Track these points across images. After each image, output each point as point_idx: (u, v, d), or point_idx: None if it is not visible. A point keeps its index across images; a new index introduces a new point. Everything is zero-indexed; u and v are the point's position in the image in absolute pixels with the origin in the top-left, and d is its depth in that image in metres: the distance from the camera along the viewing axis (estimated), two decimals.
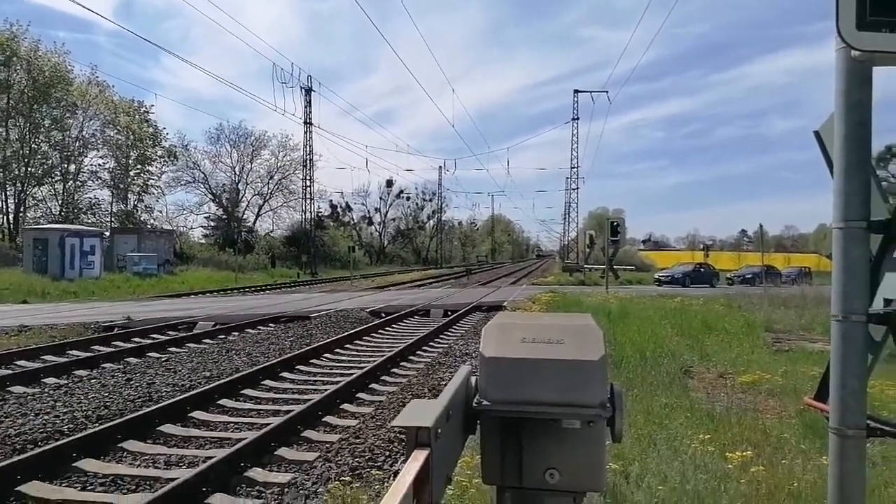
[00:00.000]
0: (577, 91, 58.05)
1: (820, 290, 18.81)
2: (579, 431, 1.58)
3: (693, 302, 18.90)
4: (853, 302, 2.14)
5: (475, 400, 1.64)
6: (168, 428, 6.36)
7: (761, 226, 30.14)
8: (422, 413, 1.39)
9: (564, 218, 71.28)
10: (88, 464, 5.27)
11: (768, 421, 5.65)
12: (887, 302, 2.24)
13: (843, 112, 2.16)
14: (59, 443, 5.49)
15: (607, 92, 54.75)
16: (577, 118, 58.31)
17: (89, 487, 4.88)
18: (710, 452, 4.37)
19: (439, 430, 1.35)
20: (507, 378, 1.61)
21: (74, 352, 11.05)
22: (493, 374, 1.63)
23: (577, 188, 62.25)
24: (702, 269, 40.90)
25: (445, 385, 1.68)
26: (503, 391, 1.61)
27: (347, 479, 4.55)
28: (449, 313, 17.48)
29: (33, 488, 4.70)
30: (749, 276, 40.38)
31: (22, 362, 9.95)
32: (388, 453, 5.51)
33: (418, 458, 1.23)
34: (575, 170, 60.58)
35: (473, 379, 1.72)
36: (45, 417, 6.54)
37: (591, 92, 56.12)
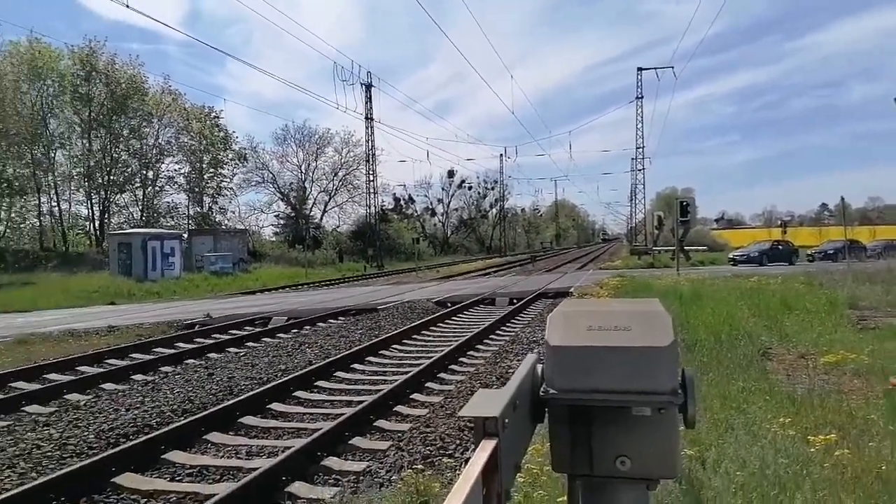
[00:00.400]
0: (640, 68, 56.49)
1: None
2: (650, 418, 1.56)
3: (770, 281, 18.15)
4: None
5: (542, 389, 1.64)
6: (248, 419, 6.63)
7: (843, 198, 28.50)
8: (489, 403, 1.40)
9: (631, 200, 69.64)
10: (176, 455, 5.57)
11: (853, 402, 5.38)
12: None
13: None
14: (148, 436, 5.81)
15: (672, 67, 53.05)
16: (642, 97, 56.79)
17: (177, 478, 5.16)
18: (791, 436, 4.21)
19: (507, 420, 1.36)
20: (573, 366, 1.61)
21: (160, 349, 11.65)
22: (560, 363, 1.62)
23: (644, 168, 60.68)
24: (779, 247, 39.12)
25: (513, 373, 1.69)
26: (570, 379, 1.60)
27: (420, 466, 4.63)
28: (514, 301, 17.43)
29: (127, 479, 5.00)
30: (831, 251, 38.34)
31: (112, 361, 10.58)
32: (458, 441, 5.57)
33: (486, 447, 1.25)
34: (640, 150, 59.09)
35: (540, 367, 1.72)
36: (135, 412, 6.94)
37: (655, 69, 54.45)
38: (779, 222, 67.54)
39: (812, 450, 3.87)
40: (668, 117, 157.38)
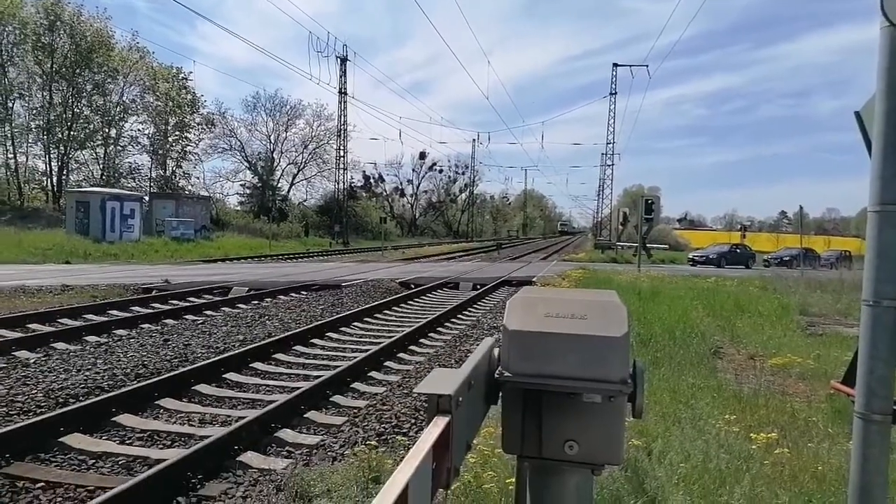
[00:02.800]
0: (615, 65, 56.92)
1: (859, 275, 18.31)
2: (600, 406, 1.60)
3: (727, 283, 18.62)
4: (885, 286, 2.12)
5: (497, 371, 1.67)
6: (203, 388, 6.57)
7: (801, 207, 29.38)
8: (444, 381, 1.42)
9: (598, 194, 70.42)
10: (127, 419, 5.50)
11: (797, 404, 5.59)
12: None
13: (885, 91, 2.11)
14: (99, 398, 5.72)
15: (647, 66, 53.89)
16: (616, 93, 57.26)
17: (127, 441, 5.10)
18: (735, 433, 4.36)
19: (461, 399, 1.38)
20: (529, 351, 1.64)
21: (115, 312, 11.42)
22: (516, 347, 1.65)
23: (613, 164, 61.34)
24: (738, 250, 40.13)
25: None
26: (525, 364, 1.64)
27: (373, 443, 4.66)
28: (478, 287, 17.54)
29: (75, 440, 4.92)
30: (787, 258, 39.48)
31: (64, 320, 10.34)
32: (413, 421, 5.62)
33: (439, 423, 1.27)
34: (611, 145, 59.66)
35: (497, 351, 1.75)
36: (87, 374, 6.81)
37: (630, 66, 54.86)
38: (739, 226, 69.13)
39: (754, 447, 4.02)
40: (640, 115, 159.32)
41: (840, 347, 8.23)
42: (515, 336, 1.61)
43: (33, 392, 6.04)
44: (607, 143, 59.54)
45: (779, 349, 8.24)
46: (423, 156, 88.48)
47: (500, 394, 1.66)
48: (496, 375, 1.61)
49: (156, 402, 5.99)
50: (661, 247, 48.36)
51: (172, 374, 6.66)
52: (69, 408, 5.38)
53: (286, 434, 5.26)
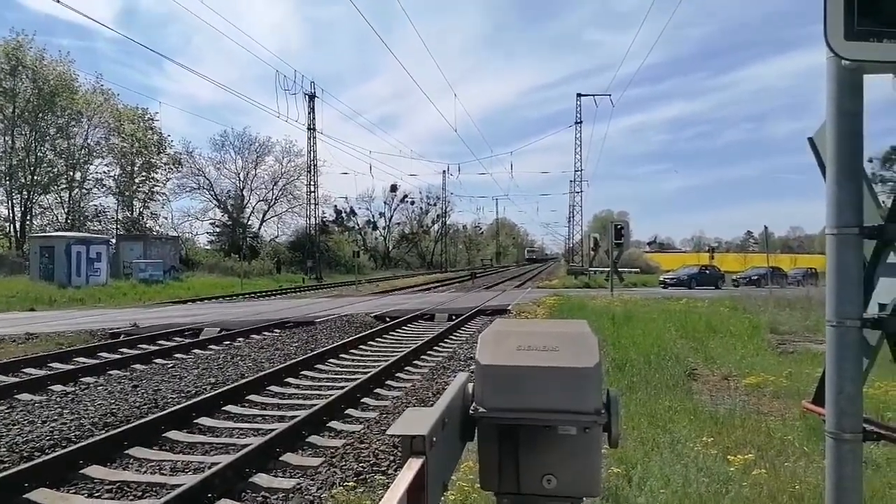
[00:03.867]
0: (580, 94, 58.16)
1: (825, 292, 18.73)
2: (575, 437, 1.60)
3: (698, 304, 18.88)
4: (847, 307, 2.16)
5: (472, 407, 1.66)
6: (174, 434, 6.40)
7: (766, 227, 30.05)
8: (417, 421, 1.41)
9: (569, 221, 71.22)
10: (95, 470, 5.32)
11: (772, 423, 5.65)
12: (881, 307, 2.26)
13: (834, 119, 2.18)
14: (65, 450, 5.52)
15: (610, 95, 55.15)
16: (581, 122, 58.38)
17: (96, 494, 4.92)
18: (714, 455, 4.38)
19: (434, 438, 1.37)
20: (503, 385, 1.64)
21: (81, 359, 11.12)
22: (490, 382, 1.65)
23: (581, 191, 62.29)
24: (707, 271, 40.84)
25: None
26: (499, 398, 1.63)
27: (351, 484, 4.57)
28: (453, 317, 17.50)
29: (41, 495, 4.74)
30: (755, 277, 40.24)
31: (29, 370, 10.03)
32: (392, 458, 5.53)
33: (413, 466, 1.26)
34: (579, 173, 60.62)
35: (471, 386, 1.74)
36: (53, 425, 6.58)
37: (594, 95, 56.21)
38: (707, 247, 70.39)
39: (732, 469, 4.04)
40: (606, 143, 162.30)
41: (811, 364, 8.37)
42: (488, 371, 1.61)
43: None
44: (575, 171, 60.55)
45: (752, 368, 8.35)
46: (394, 188, 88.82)
47: (476, 430, 1.65)
48: (470, 412, 1.61)
49: (125, 452, 5.81)
50: (632, 270, 48.90)
51: (142, 421, 6.47)
52: (34, 462, 5.19)
53: (261, 479, 5.13)
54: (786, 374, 7.63)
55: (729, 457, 4.24)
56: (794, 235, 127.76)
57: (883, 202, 2.57)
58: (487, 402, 1.62)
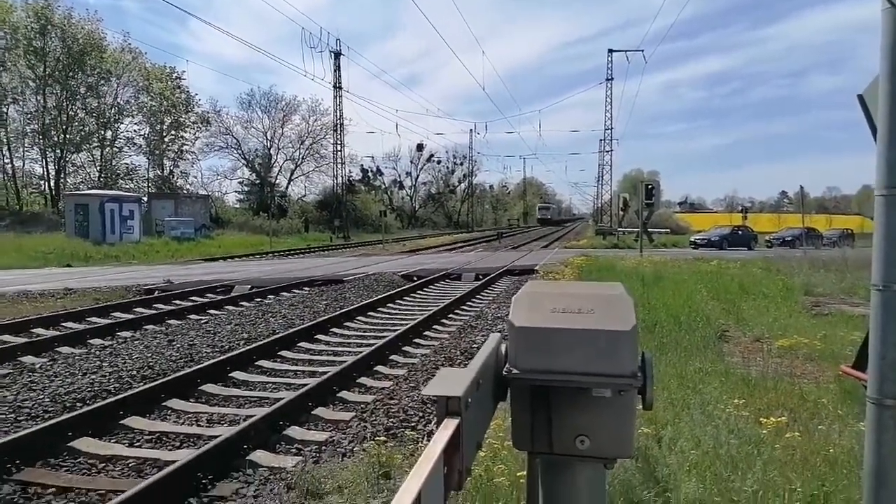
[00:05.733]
0: (611, 50, 56.80)
1: (862, 253, 18.30)
2: (610, 400, 1.59)
3: (730, 265, 18.58)
4: (894, 271, 2.09)
5: (505, 368, 1.65)
6: (209, 388, 6.57)
7: (801, 187, 29.36)
8: (452, 382, 1.40)
9: (598, 180, 70.28)
10: (135, 421, 5.50)
11: (805, 386, 5.58)
12: None
13: (889, 75, 2.07)
14: (106, 401, 5.71)
15: (643, 51, 53.94)
16: (612, 78, 57.09)
17: (136, 444, 5.10)
18: (745, 417, 4.35)
19: (469, 400, 1.36)
20: (537, 347, 1.62)
21: (118, 314, 11.42)
22: (523, 344, 1.63)
23: (611, 150, 61.28)
24: (739, 232, 40.07)
25: (477, 349, 1.69)
26: (533, 360, 1.62)
27: (382, 438, 4.65)
28: (480, 277, 17.53)
29: (84, 444, 4.92)
30: (789, 238, 39.39)
31: (69, 324, 10.34)
32: (421, 414, 5.62)
33: (448, 426, 1.25)
34: (609, 131, 59.52)
35: (504, 347, 1.73)
36: (93, 377, 6.80)
37: (625, 51, 54.77)
38: (739, 208, 69.05)
39: (764, 431, 4.00)
40: (638, 100, 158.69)
41: (846, 327, 8.22)
42: (522, 332, 1.59)
43: (40, 397, 6.04)
44: (605, 129, 59.50)
45: (785, 331, 8.22)
46: (420, 147, 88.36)
47: (509, 390, 1.65)
48: (504, 373, 1.60)
49: (163, 404, 5.99)
50: (662, 231, 48.31)
51: (178, 374, 6.66)
52: (77, 412, 5.38)
53: (294, 431, 5.26)
54: (820, 337, 7.50)
55: (761, 419, 4.20)
56: (830, 195, 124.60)
57: None
58: (521, 364, 1.61)
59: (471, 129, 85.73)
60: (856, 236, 41.82)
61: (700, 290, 12.21)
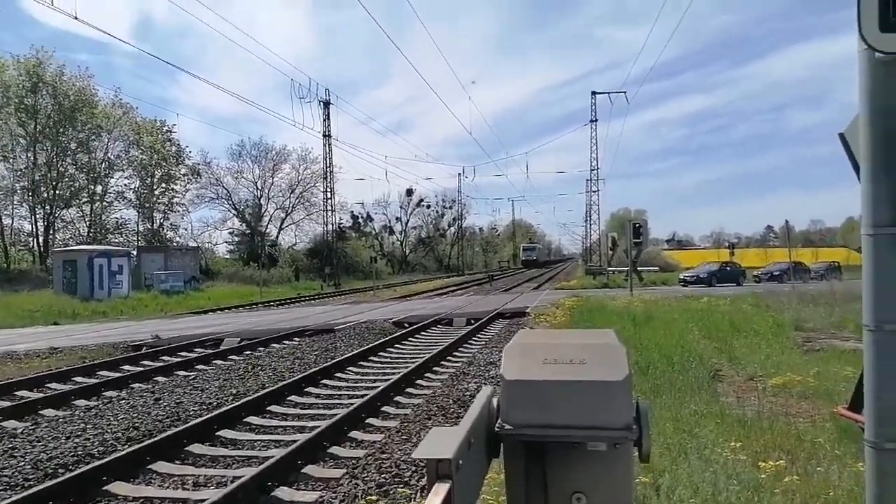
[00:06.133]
0: (594, 93, 57.74)
1: (849, 285, 18.41)
2: (605, 454, 1.55)
3: (720, 302, 18.62)
4: (886, 311, 2.07)
5: (497, 423, 1.61)
6: (196, 448, 6.40)
7: (787, 221, 29.76)
8: (442, 443, 1.36)
9: (586, 220, 70.83)
10: (119, 487, 5.32)
11: (801, 425, 5.51)
12: None
13: (868, 114, 2.09)
14: (89, 466, 5.55)
15: (625, 92, 54.31)
16: (596, 120, 58.01)
17: None
18: (742, 461, 4.27)
19: (460, 461, 1.32)
20: (529, 401, 1.59)
21: (104, 372, 11.21)
22: (516, 397, 1.60)
23: (598, 190, 61.87)
24: (728, 268, 40.31)
25: (470, 397, 1.65)
26: (526, 414, 1.59)
27: (373, 497, 4.52)
28: (472, 322, 17.42)
29: None
30: (777, 272, 39.65)
31: (53, 384, 10.13)
32: (414, 468, 5.48)
33: (439, 492, 1.21)
34: (595, 171, 60.25)
35: (495, 400, 1.69)
36: (76, 440, 6.62)
37: (608, 93, 55.77)
38: (727, 244, 69.61)
39: (763, 475, 3.93)
40: (622, 140, 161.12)
41: (839, 362, 8.18)
42: (514, 386, 1.56)
43: (21, 464, 5.85)
44: (591, 170, 60.19)
45: (778, 368, 8.18)
46: (410, 192, 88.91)
47: (502, 446, 1.60)
48: (496, 428, 1.56)
49: (148, 467, 5.81)
50: (651, 269, 48.49)
51: (164, 435, 6.49)
52: (57, 480, 5.20)
53: (283, 492, 5.11)
54: (813, 374, 7.46)
55: (759, 462, 4.13)
56: (815, 228, 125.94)
57: None
58: (513, 419, 1.58)
59: (459, 173, 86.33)
60: (842, 268, 42.14)
61: (691, 328, 12.19)
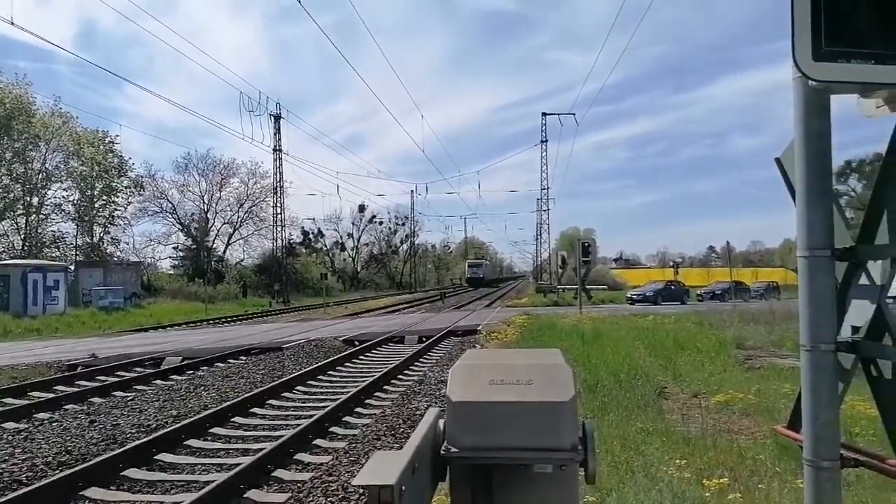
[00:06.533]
0: (544, 114, 58.75)
1: (787, 305, 19.12)
2: (552, 475, 1.53)
3: (665, 320, 19.06)
4: (821, 331, 2.12)
5: (444, 447, 1.58)
6: (133, 472, 6.12)
7: (728, 242, 30.82)
8: (385, 468, 1.32)
9: (536, 239, 71.77)
10: None
11: (743, 442, 5.65)
12: (855, 329, 2.23)
13: (803, 140, 2.16)
14: (15, 493, 5.23)
15: (574, 114, 55.46)
16: (546, 140, 59.02)
17: None
18: (687, 479, 4.33)
19: (403, 488, 1.28)
20: (475, 423, 1.56)
21: (36, 393, 10.68)
22: (462, 420, 1.58)
23: (548, 209, 62.80)
24: (672, 287, 41.41)
25: (420, 416, 1.62)
26: (472, 437, 1.56)
27: None
28: (423, 339, 17.34)
29: None
30: (718, 291, 40.96)
31: None
32: (361, 491, 5.36)
33: None
34: (545, 191, 61.20)
35: (441, 423, 1.66)
36: (2, 466, 6.24)
37: (558, 114, 56.88)
38: (671, 263, 71.52)
39: (707, 493, 3.99)
40: (571, 160, 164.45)
41: (778, 380, 8.45)
42: (460, 407, 1.53)
43: None
44: (542, 189, 61.10)
45: (720, 385, 8.39)
46: (362, 209, 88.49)
47: (448, 470, 1.56)
48: (442, 451, 1.52)
49: (81, 493, 5.53)
50: (600, 287, 49.40)
51: (99, 459, 6.19)
52: None
53: None
54: (754, 391, 7.68)
55: (704, 480, 4.20)
56: (755, 249, 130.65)
57: (851, 219, 2.56)
58: (460, 442, 1.55)
59: (412, 190, 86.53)
60: (781, 288, 43.83)
61: (638, 346, 12.43)
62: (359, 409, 8.89)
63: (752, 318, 17.49)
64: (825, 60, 1.92)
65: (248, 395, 9.43)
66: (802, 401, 2.23)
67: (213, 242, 62.93)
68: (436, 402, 8.64)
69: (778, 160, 2.66)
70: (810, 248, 2.14)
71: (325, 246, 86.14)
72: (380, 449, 6.56)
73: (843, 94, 2.24)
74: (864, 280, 2.31)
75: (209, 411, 8.32)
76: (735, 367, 10.46)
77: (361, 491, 5.34)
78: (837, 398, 2.18)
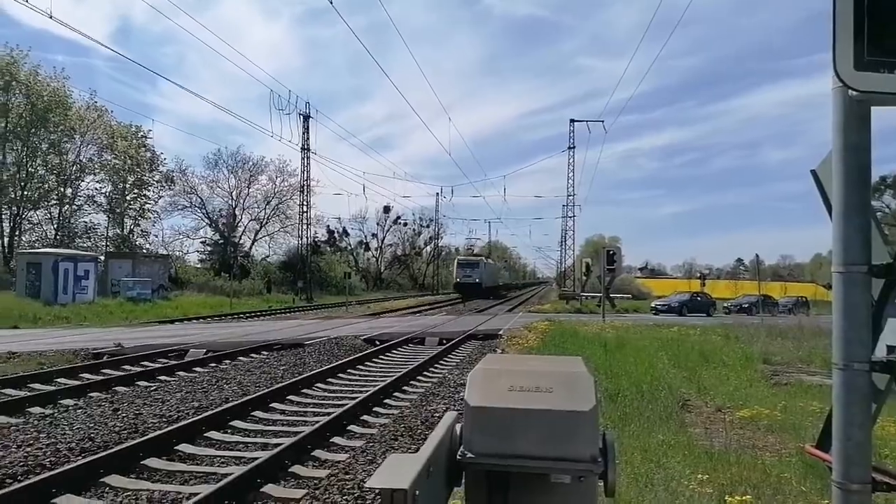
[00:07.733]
0: (573, 120, 58.27)
1: (817, 321, 18.73)
2: (570, 486, 1.50)
3: (690, 332, 18.78)
4: (855, 349, 2.06)
5: (460, 451, 1.55)
6: (153, 462, 6.19)
7: (757, 255, 30.27)
8: (399, 471, 1.30)
9: (561, 245, 71.29)
10: (69, 500, 5.12)
11: (768, 459, 5.52)
12: (890, 349, 2.16)
13: (841, 152, 2.10)
14: (39, 477, 5.33)
15: (603, 121, 54.95)
16: (574, 147, 58.56)
17: None
18: (709, 494, 4.24)
19: (417, 492, 1.26)
20: (493, 429, 1.54)
21: (62, 380, 10.88)
22: (479, 425, 1.55)
23: (574, 216, 62.33)
24: (698, 298, 40.85)
25: (438, 418, 1.59)
26: (489, 443, 1.53)
27: None
28: (444, 341, 17.32)
29: None
30: (746, 305, 40.35)
31: (8, 390, 9.77)
32: (377, 489, 5.35)
33: None
34: (571, 197, 60.75)
35: (458, 427, 1.63)
36: (28, 450, 6.36)
37: (587, 121, 56.42)
38: (698, 274, 70.60)
39: None
40: (598, 168, 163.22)
41: (805, 397, 8.25)
42: (478, 412, 1.51)
43: None
44: (568, 195, 60.68)
45: (745, 401, 8.22)
46: (387, 209, 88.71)
47: (464, 475, 1.54)
48: (458, 456, 1.50)
49: (101, 480, 5.60)
50: (624, 296, 48.87)
51: (120, 447, 6.27)
52: (4, 490, 4.98)
53: None
54: (780, 408, 7.51)
55: (726, 496, 4.10)
56: (784, 263, 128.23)
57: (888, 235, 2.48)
58: (476, 447, 1.52)
59: (437, 193, 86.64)
60: (810, 304, 42.98)
61: (661, 357, 12.24)
62: (377, 409, 8.90)
63: (780, 333, 17.15)
64: (867, 70, 1.86)
65: (268, 390, 9.49)
66: (833, 420, 2.16)
67: (240, 238, 63.71)
68: (454, 406, 8.61)
69: (814, 172, 2.58)
70: (846, 264, 2.08)
71: (350, 245, 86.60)
72: (397, 450, 6.55)
73: (882, 107, 2.17)
74: None
75: (230, 404, 8.39)
76: (761, 382, 10.26)
77: (377, 490, 5.34)
78: (870, 419, 2.11)
